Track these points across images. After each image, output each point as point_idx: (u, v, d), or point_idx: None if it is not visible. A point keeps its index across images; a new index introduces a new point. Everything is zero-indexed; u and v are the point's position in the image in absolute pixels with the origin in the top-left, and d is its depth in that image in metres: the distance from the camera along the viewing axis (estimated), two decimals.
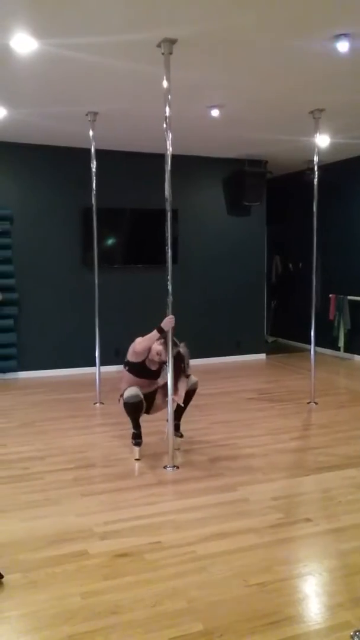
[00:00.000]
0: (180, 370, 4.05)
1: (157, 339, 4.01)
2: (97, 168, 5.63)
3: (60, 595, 2.44)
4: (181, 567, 2.66)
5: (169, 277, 3.92)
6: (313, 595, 2.48)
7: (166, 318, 3.92)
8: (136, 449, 4.13)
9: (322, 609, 2.37)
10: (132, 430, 4.19)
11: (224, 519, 3.16)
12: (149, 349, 4.06)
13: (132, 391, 4.00)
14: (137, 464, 4.02)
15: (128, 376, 4.19)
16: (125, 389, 4.08)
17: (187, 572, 2.61)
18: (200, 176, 7.73)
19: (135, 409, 4.06)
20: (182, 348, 4.06)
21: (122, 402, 4.09)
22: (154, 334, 3.98)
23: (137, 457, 4.10)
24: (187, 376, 4.12)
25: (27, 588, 2.49)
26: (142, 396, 4.02)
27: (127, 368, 4.19)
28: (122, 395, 4.09)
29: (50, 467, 3.95)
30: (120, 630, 2.21)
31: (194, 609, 2.34)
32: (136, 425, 4.18)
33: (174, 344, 3.99)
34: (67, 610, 2.33)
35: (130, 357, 4.13)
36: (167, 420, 4.22)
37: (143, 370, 4.14)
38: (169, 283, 3.92)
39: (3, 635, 2.20)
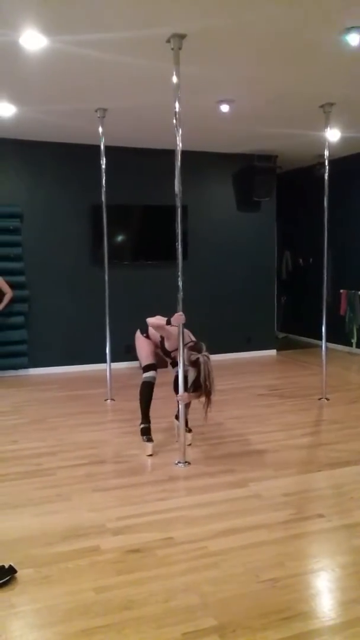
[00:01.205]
0: (197, 382, 3.92)
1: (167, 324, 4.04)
2: (106, 165, 5.63)
3: (74, 590, 2.45)
4: (193, 562, 2.66)
5: (180, 274, 3.91)
6: (326, 591, 2.48)
7: (176, 314, 3.92)
8: (148, 445, 4.13)
9: (335, 604, 2.36)
10: (141, 425, 4.21)
11: (235, 514, 3.15)
12: (159, 329, 4.15)
13: (149, 373, 4.23)
14: (148, 460, 4.03)
15: (155, 338, 4.27)
16: (145, 360, 4.28)
17: (199, 568, 2.61)
18: (210, 172, 7.70)
19: (148, 390, 4.21)
20: (202, 357, 3.91)
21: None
22: (164, 323, 4.03)
23: (149, 453, 4.10)
24: (203, 394, 3.94)
25: (41, 583, 2.51)
26: (155, 379, 4.23)
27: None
28: (145, 332, 4.29)
29: (62, 463, 3.97)
30: (134, 625, 2.21)
31: (207, 604, 2.34)
32: (145, 418, 4.22)
33: (197, 349, 3.96)
34: (80, 605, 2.34)
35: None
36: (177, 417, 4.22)
37: (167, 355, 4.25)
38: (179, 279, 3.91)
39: (17, 630, 2.22)
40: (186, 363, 3.94)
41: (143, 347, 4.34)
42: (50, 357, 7.08)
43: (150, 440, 4.16)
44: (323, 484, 3.59)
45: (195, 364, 3.92)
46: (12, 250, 6.69)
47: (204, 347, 4.01)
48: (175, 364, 4.16)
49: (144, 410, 4.24)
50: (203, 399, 3.98)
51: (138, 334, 4.37)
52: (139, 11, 3.36)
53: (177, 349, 4.03)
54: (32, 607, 2.34)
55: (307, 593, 2.45)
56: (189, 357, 3.92)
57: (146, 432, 4.19)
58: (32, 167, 6.91)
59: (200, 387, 3.94)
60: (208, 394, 3.93)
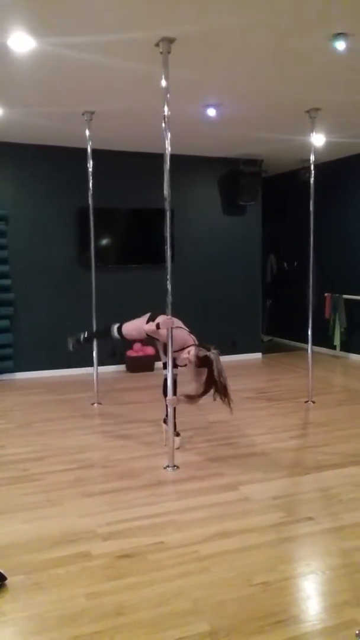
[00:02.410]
0: (210, 379, 3.89)
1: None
2: (92, 168, 5.61)
3: (65, 596, 2.43)
4: (185, 567, 2.66)
5: (168, 277, 3.90)
6: (318, 594, 2.49)
7: (164, 319, 3.91)
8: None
9: (328, 607, 2.37)
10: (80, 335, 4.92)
11: (225, 518, 3.15)
12: (154, 334, 4.22)
13: (116, 325, 4.54)
14: (138, 465, 4.00)
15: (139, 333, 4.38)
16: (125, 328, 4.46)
17: (190, 572, 2.61)
18: (196, 175, 7.72)
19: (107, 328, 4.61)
20: (212, 354, 3.90)
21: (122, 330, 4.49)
22: (154, 327, 4.05)
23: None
24: (220, 389, 3.90)
25: (31, 590, 2.48)
26: (113, 332, 4.53)
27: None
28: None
29: (51, 468, 3.94)
30: (126, 631, 2.20)
31: (199, 609, 2.34)
32: (87, 338, 5.03)
33: (206, 347, 3.95)
34: (72, 612, 2.32)
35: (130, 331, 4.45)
36: (165, 421, 4.22)
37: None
38: (168, 283, 3.90)
39: (9, 638, 2.19)
40: (192, 360, 3.92)
41: (135, 326, 4.40)
42: (36, 361, 7.03)
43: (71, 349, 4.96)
44: (312, 487, 3.61)
45: (204, 360, 3.89)
46: None
47: (212, 347, 3.99)
48: (174, 365, 4.13)
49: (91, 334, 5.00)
50: (193, 402, 3.96)
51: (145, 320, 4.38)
52: (129, 14, 3.36)
53: (179, 350, 4.01)
54: (22, 615, 2.32)
55: (298, 596, 2.46)
56: (197, 354, 3.90)
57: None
58: (18, 170, 6.86)
59: (214, 383, 3.88)
60: (224, 389, 3.88)
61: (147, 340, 4.41)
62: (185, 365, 4.05)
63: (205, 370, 3.92)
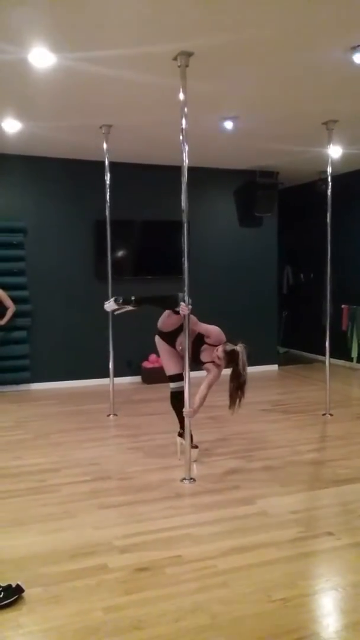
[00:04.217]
0: (234, 372, 3.99)
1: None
2: (110, 180, 5.65)
3: (82, 610, 2.41)
4: (203, 581, 2.63)
5: (186, 289, 3.91)
6: (338, 611, 2.44)
7: (183, 306, 3.89)
8: None
9: (349, 624, 2.32)
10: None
11: (243, 532, 3.12)
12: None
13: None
14: (154, 477, 3.98)
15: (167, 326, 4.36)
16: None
17: (208, 587, 2.58)
18: (212, 188, 7.74)
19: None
20: (240, 347, 3.98)
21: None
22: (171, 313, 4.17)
23: None
24: (241, 383, 3.98)
25: (49, 602, 2.47)
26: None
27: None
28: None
29: (67, 479, 3.93)
30: None
31: (218, 624, 2.31)
32: None
33: (233, 343, 4.02)
34: (89, 626, 2.30)
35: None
36: (180, 434, 4.20)
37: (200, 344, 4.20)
38: (185, 294, 3.91)
39: None
40: (221, 356, 3.99)
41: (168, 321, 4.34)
42: (52, 372, 7.05)
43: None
44: (330, 501, 3.56)
45: (232, 355, 3.95)
46: (15, 265, 6.69)
47: (240, 342, 4.06)
48: (196, 360, 4.17)
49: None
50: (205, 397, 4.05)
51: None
52: (147, 29, 3.40)
53: (213, 345, 4.07)
54: (40, 628, 2.31)
55: (319, 613, 2.42)
56: (224, 349, 3.98)
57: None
58: (36, 183, 6.93)
59: (239, 376, 3.95)
60: (243, 384, 3.95)
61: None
62: (210, 362, 4.10)
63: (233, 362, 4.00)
